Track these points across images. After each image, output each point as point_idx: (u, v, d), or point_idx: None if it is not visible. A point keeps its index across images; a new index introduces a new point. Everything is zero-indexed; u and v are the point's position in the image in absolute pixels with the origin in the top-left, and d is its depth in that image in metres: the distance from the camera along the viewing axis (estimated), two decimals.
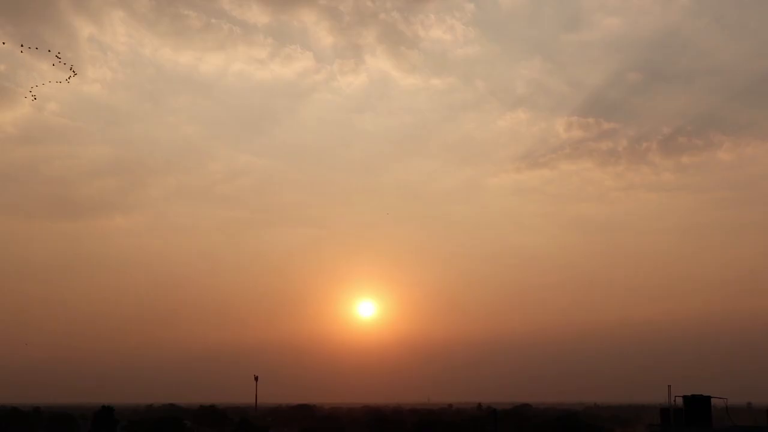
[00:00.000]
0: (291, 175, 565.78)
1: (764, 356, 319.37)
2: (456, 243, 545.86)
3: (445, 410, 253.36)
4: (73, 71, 66.35)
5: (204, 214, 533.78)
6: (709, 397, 48.27)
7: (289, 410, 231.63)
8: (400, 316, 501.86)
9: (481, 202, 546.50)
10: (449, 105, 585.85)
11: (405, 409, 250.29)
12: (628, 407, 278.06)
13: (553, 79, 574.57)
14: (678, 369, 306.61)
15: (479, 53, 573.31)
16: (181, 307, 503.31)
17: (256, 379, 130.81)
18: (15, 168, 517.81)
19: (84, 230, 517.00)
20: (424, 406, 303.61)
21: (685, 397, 48.44)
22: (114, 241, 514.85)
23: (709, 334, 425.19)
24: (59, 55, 60.89)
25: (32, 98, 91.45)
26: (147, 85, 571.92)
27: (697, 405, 47.78)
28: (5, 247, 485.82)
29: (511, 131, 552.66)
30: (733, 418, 51.73)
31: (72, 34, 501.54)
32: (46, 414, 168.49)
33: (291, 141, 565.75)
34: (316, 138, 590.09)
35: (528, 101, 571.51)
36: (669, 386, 49.03)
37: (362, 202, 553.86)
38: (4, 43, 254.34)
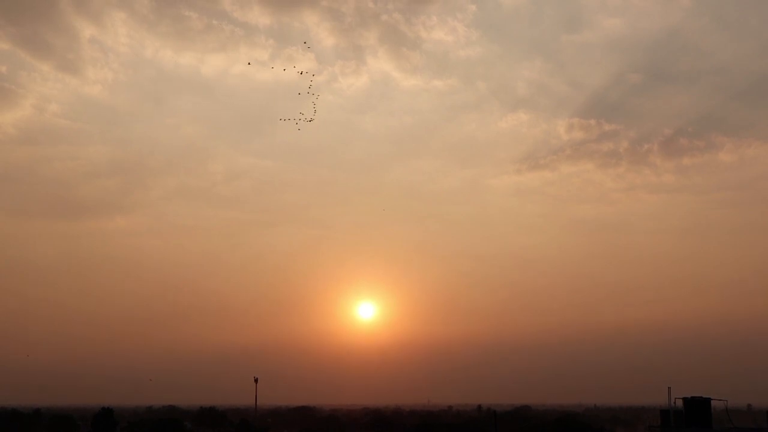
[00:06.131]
0: (291, 175, 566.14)
1: (765, 358, 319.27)
2: (456, 244, 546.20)
3: (445, 412, 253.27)
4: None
5: (204, 214, 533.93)
6: (709, 399, 48.21)
7: (289, 412, 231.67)
8: (400, 317, 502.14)
9: (482, 203, 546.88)
10: (450, 106, 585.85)
11: (405, 411, 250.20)
12: (628, 409, 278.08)
13: (554, 80, 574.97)
14: (678, 370, 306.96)
15: (480, 54, 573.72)
16: (181, 308, 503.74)
17: (256, 380, 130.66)
18: (16, 168, 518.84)
19: (84, 231, 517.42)
20: (424, 408, 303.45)
21: (685, 399, 48.39)
22: (114, 241, 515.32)
23: (709, 335, 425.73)
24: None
25: None
26: (148, 86, 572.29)
27: (697, 407, 47.74)
28: (6, 247, 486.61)
29: (511, 132, 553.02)
30: (733, 420, 51.68)
31: (73, 36, 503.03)
32: (46, 415, 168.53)
33: (292, 142, 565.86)
34: (317, 139, 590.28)
35: (529, 102, 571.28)
36: (669, 388, 48.90)
37: (363, 202, 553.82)
38: None
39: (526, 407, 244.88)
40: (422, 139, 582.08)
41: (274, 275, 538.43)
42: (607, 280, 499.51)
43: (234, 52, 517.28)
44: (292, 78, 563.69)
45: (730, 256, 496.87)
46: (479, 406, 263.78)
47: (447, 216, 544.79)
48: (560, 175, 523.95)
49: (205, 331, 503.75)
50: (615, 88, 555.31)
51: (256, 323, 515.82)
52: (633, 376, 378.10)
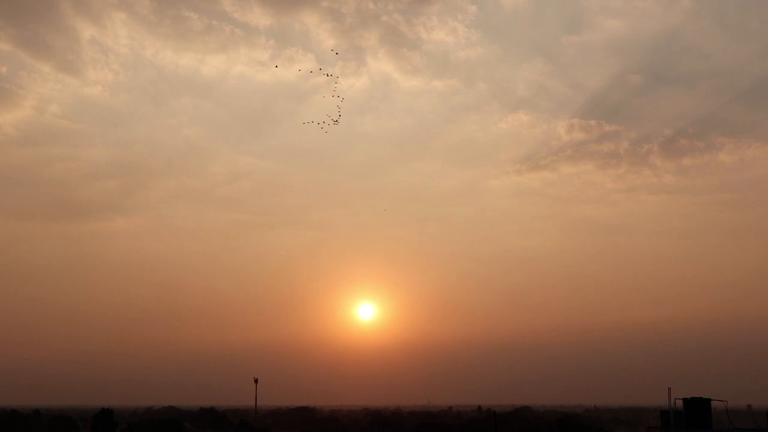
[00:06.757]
0: (292, 177, 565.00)
1: (765, 359, 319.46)
2: (457, 245, 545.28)
3: (445, 413, 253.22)
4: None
5: (205, 216, 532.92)
6: (709, 400, 48.26)
7: (289, 412, 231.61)
8: (401, 318, 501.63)
9: (482, 204, 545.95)
10: (451, 107, 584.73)
11: (405, 412, 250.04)
12: (628, 410, 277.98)
13: (555, 81, 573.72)
14: (678, 371, 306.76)
15: (481, 55, 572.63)
16: (181, 310, 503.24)
17: (256, 381, 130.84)
18: (16, 170, 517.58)
19: (85, 232, 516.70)
20: (424, 409, 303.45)
21: (685, 400, 48.43)
22: (114, 243, 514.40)
23: (709, 336, 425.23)
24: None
25: None
26: (148, 87, 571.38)
27: (697, 407, 47.77)
28: (6, 248, 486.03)
29: (512, 133, 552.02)
30: (733, 421, 51.68)
31: (73, 37, 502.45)
32: (45, 416, 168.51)
33: (292, 143, 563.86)
34: (317, 140, 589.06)
35: (529, 103, 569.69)
36: (669, 388, 48.89)
37: (363, 204, 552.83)
38: None
39: (526, 408, 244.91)
40: (422, 140, 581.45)
41: (275, 277, 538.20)
42: (608, 281, 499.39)
43: (234, 52, 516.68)
44: (292, 79, 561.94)
45: (730, 257, 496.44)
46: (479, 407, 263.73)
47: (447, 217, 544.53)
48: (560, 176, 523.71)
49: (205, 332, 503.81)
50: (615, 89, 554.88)
51: (256, 324, 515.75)
52: (633, 376, 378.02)
